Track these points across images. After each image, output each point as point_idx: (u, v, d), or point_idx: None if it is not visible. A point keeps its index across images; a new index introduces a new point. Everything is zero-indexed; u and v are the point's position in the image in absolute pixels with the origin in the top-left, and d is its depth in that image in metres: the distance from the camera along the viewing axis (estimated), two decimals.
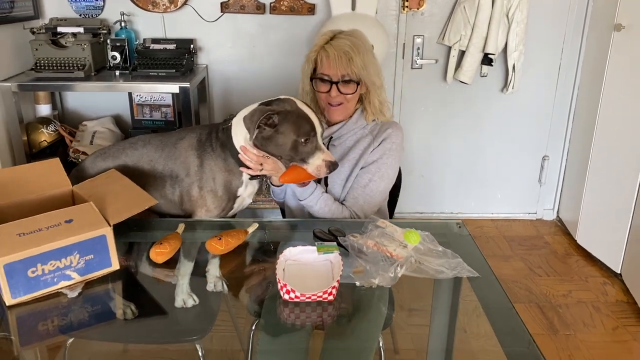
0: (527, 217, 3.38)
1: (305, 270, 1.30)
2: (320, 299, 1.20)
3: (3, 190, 1.43)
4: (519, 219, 3.38)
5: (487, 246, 3.06)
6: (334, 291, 1.20)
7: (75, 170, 1.82)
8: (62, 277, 1.24)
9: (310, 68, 1.73)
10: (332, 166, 1.56)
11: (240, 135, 1.61)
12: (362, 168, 1.74)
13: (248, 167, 1.62)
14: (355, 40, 1.69)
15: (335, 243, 1.37)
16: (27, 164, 1.71)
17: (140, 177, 1.67)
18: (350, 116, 1.78)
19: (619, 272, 2.68)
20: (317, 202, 1.69)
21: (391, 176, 1.78)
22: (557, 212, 3.37)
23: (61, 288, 1.25)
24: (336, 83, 1.67)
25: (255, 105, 1.60)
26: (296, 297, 1.19)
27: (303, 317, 1.19)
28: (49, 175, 1.50)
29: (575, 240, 3.02)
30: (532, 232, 3.23)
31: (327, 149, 1.65)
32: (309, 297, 1.19)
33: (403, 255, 1.31)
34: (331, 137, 1.79)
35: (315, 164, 1.54)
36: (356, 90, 1.70)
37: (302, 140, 1.52)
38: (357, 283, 1.27)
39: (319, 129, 1.56)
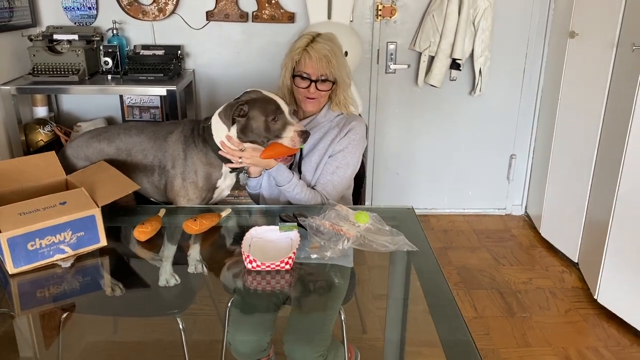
0: (497, 213, 3.59)
1: (268, 246, 1.50)
2: (279, 267, 1.40)
3: (4, 179, 1.61)
4: (489, 214, 3.58)
5: (457, 239, 3.26)
6: (290, 261, 1.40)
7: (66, 148, 1.94)
8: (57, 251, 1.43)
9: (291, 65, 1.92)
10: (304, 135, 1.76)
11: (220, 131, 1.81)
12: (330, 157, 1.95)
13: (230, 162, 1.82)
14: (333, 45, 1.91)
15: (295, 223, 1.56)
16: (26, 156, 1.89)
17: (133, 164, 1.87)
18: (320, 110, 1.99)
19: (576, 261, 2.88)
20: (294, 188, 1.88)
21: (355, 164, 1.98)
22: (525, 207, 3.57)
23: (56, 260, 1.45)
24: (315, 81, 1.87)
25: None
26: (257, 266, 1.39)
27: (264, 283, 1.39)
28: (46, 167, 1.68)
29: (540, 233, 3.22)
30: (501, 226, 3.43)
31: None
32: (269, 266, 1.39)
33: (353, 233, 1.51)
34: None
35: (289, 136, 1.75)
36: (331, 88, 1.91)
37: (271, 118, 1.74)
38: (313, 256, 1.47)
39: (285, 107, 1.77)
